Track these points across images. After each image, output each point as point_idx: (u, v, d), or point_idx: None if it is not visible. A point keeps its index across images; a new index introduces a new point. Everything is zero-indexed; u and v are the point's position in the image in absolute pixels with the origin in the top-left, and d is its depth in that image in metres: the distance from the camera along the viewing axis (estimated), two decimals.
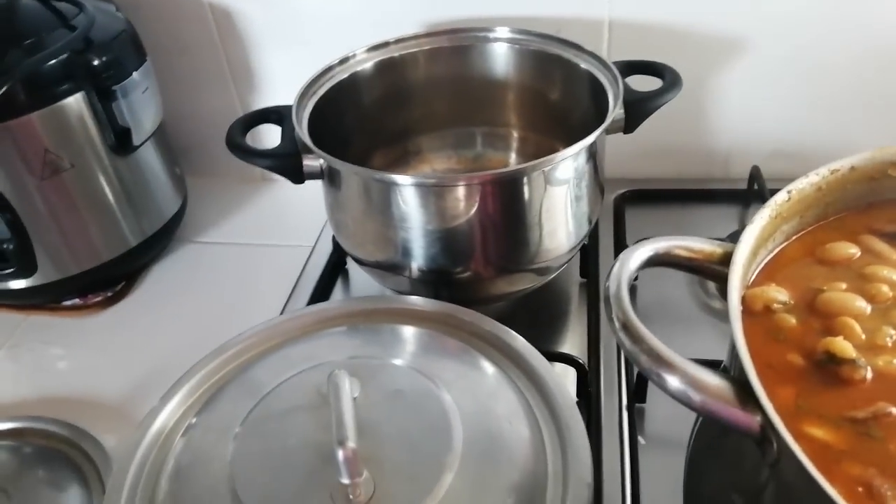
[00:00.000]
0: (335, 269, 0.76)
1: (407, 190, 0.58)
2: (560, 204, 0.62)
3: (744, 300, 0.41)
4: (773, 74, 0.78)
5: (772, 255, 0.44)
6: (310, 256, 0.79)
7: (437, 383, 0.49)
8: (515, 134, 0.78)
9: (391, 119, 0.76)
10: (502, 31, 0.72)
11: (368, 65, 0.72)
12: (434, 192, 0.59)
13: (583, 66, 0.69)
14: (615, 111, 0.62)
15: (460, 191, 0.58)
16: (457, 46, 0.74)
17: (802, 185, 0.44)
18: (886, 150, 0.46)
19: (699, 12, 0.76)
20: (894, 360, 0.37)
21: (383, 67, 0.72)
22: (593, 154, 0.64)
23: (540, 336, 0.70)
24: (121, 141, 0.74)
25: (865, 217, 0.46)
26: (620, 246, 0.77)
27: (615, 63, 0.68)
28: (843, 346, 0.37)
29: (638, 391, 0.61)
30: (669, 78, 0.66)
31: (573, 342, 0.69)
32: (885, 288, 0.41)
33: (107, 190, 0.75)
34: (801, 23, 0.75)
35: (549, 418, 0.48)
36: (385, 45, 0.72)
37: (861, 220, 0.46)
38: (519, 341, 0.53)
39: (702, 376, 0.34)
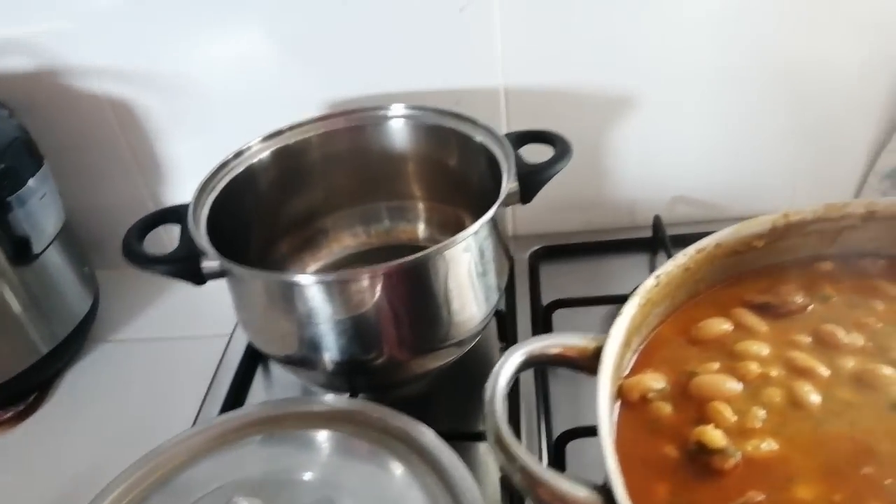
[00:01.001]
0: (253, 358, 0.76)
1: (309, 287, 0.58)
2: (465, 280, 0.63)
3: (621, 391, 0.42)
4: (665, 125, 0.81)
5: (646, 341, 0.45)
6: (227, 347, 0.78)
7: (343, 494, 0.48)
8: (421, 205, 0.79)
9: (294, 204, 0.76)
10: (397, 109, 0.73)
11: (264, 155, 0.72)
12: (337, 287, 0.59)
13: (478, 139, 0.70)
14: (508, 186, 0.64)
15: (364, 282, 0.58)
16: (353, 126, 0.74)
17: (670, 268, 0.45)
18: (749, 224, 0.48)
19: (588, 74, 0.78)
20: (762, 445, 0.39)
21: (280, 155, 0.72)
22: (494, 226, 0.65)
23: (461, 409, 0.71)
24: (20, 251, 0.73)
25: (736, 289, 0.48)
26: (536, 304, 0.78)
27: (509, 134, 0.69)
28: (712, 436, 0.38)
29: (558, 460, 0.61)
30: (560, 147, 0.68)
31: None
32: (753, 366, 0.43)
33: (12, 302, 0.73)
34: (687, 73, 0.77)
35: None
36: (279, 133, 0.72)
37: (732, 293, 0.48)
38: (427, 437, 0.53)
39: (571, 492, 0.34)
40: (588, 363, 0.42)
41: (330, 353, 0.62)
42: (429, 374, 0.70)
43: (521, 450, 0.36)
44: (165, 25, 0.77)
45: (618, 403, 0.42)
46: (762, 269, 0.49)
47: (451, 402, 0.72)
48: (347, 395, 0.64)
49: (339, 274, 0.62)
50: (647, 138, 0.82)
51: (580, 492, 0.34)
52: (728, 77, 0.78)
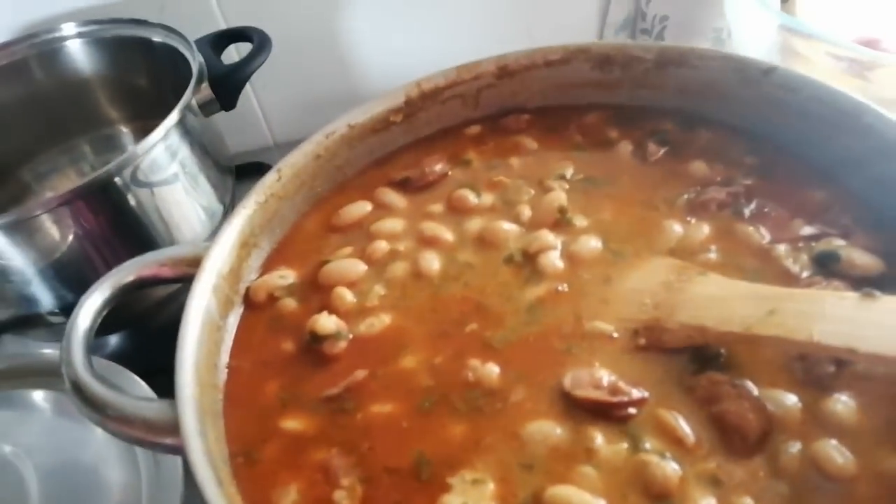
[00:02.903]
0: None
1: None
2: (172, 195, 0.58)
3: (248, 295, 0.41)
4: (395, 8, 0.77)
5: (285, 235, 0.43)
6: None
7: (20, 452, 0.46)
8: (125, 129, 0.73)
9: None
10: (69, 28, 0.65)
11: None
12: (22, 230, 0.53)
13: (167, 43, 0.64)
14: (193, 90, 0.58)
15: (47, 219, 0.53)
16: (22, 61, 0.65)
17: (295, 159, 0.43)
18: (381, 99, 0.46)
19: None
20: (376, 321, 0.38)
21: None
22: (194, 136, 0.60)
23: None
24: None
25: (383, 168, 0.46)
26: None
27: (204, 38, 0.64)
28: (322, 323, 0.37)
29: None
30: (257, 41, 0.63)
31: None
32: (382, 244, 0.41)
33: None
34: None
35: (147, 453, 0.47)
36: None
37: (379, 174, 0.46)
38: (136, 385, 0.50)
39: (142, 414, 0.33)
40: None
41: (45, 305, 0.56)
42: (172, 299, 0.67)
43: (100, 389, 0.34)
44: None
45: (240, 309, 0.40)
46: (410, 145, 0.47)
47: None
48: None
49: (10, 216, 0.56)
50: (382, 25, 0.78)
51: (154, 412, 0.33)
52: None
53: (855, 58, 0.52)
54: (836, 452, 0.30)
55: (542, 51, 0.45)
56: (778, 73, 0.41)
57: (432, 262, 0.41)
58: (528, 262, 0.40)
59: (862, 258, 0.35)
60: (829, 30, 0.65)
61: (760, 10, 0.57)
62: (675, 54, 0.44)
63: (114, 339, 0.67)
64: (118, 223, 0.56)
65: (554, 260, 0.39)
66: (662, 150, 0.44)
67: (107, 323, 0.60)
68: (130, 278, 0.38)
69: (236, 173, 0.68)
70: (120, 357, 0.65)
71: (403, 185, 0.45)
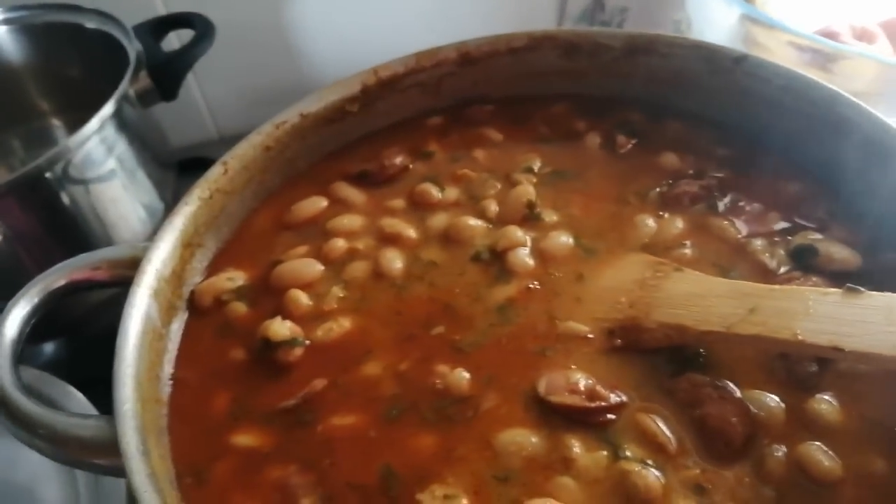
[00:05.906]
0: None
1: None
2: (109, 192, 0.54)
3: (193, 299, 0.37)
4: None
5: (233, 233, 0.40)
6: None
7: None
8: (57, 122, 0.68)
9: None
10: None
11: None
12: None
13: (101, 30, 0.59)
14: (130, 81, 0.54)
15: None
16: None
17: (243, 150, 0.40)
18: (335, 87, 0.43)
19: None
20: (335, 326, 0.35)
21: None
22: (132, 129, 0.56)
23: None
24: None
25: (339, 161, 0.44)
26: None
27: (142, 25, 0.59)
28: (275, 329, 0.34)
29: None
30: (200, 28, 0.59)
31: None
32: (340, 242, 0.39)
33: None
34: None
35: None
36: None
37: (335, 166, 0.43)
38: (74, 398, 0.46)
39: (76, 433, 0.30)
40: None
41: None
42: (113, 303, 0.62)
43: (29, 406, 0.30)
44: None
45: (185, 315, 0.37)
46: (367, 136, 0.45)
47: None
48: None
49: None
50: (332, 12, 0.75)
51: (87, 431, 0.30)
52: None
53: (817, 49, 0.52)
54: (821, 455, 0.29)
55: (505, 37, 0.43)
56: (749, 61, 0.40)
57: (394, 261, 0.38)
58: (497, 259, 0.37)
59: (840, 252, 0.34)
60: (790, 20, 0.65)
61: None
62: (644, 42, 0.42)
63: (49, 347, 0.63)
64: (50, 222, 0.52)
65: (524, 257, 0.37)
66: (632, 142, 0.42)
67: (41, 329, 0.56)
68: (61, 283, 0.34)
69: (179, 169, 0.64)
70: (56, 366, 0.61)
71: (361, 180, 0.42)
